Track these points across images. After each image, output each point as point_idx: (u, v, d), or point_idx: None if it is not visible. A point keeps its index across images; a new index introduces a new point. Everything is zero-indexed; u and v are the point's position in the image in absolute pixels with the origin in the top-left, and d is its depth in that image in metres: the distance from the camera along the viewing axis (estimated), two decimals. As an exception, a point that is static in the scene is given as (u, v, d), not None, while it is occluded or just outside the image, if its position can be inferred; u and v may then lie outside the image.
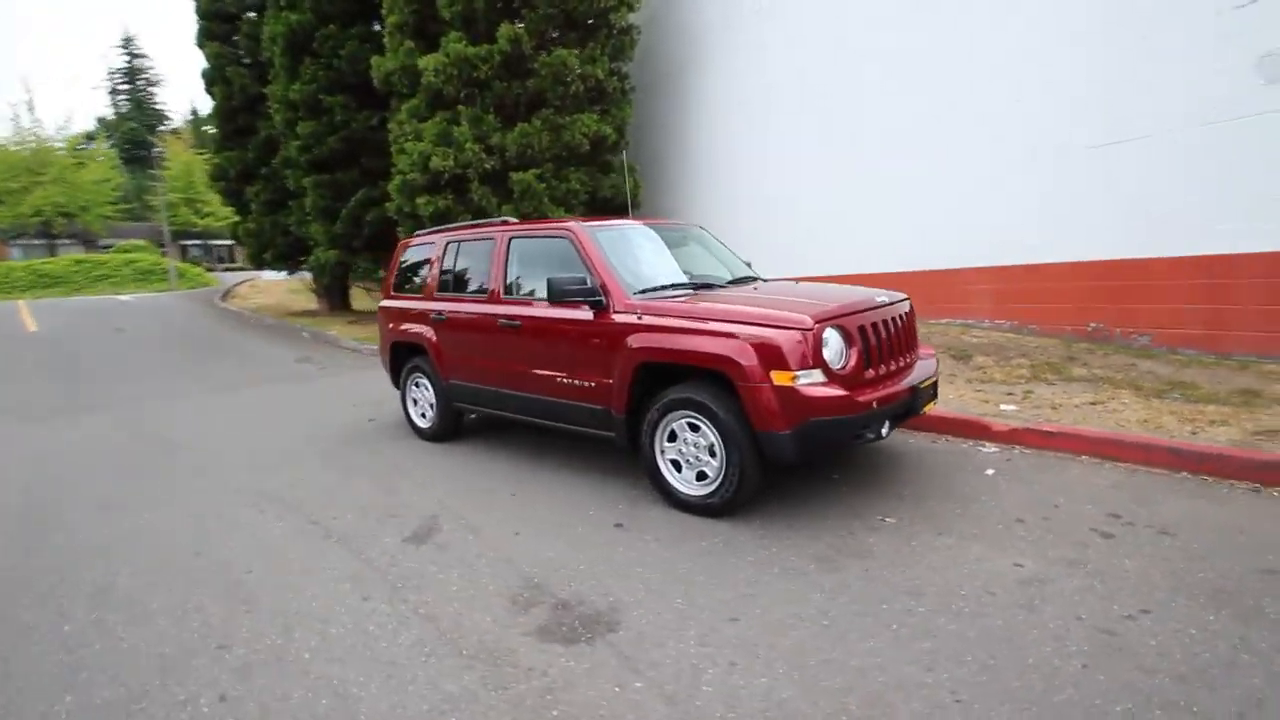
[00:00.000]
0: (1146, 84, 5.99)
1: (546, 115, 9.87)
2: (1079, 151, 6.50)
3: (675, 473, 3.75)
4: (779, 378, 3.27)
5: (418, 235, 5.75)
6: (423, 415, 5.53)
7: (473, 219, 10.29)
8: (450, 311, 5.02)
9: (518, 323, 4.46)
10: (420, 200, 9.99)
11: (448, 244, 5.22)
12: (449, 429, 5.38)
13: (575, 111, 10.09)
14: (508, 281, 4.65)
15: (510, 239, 4.69)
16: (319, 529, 3.75)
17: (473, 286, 4.98)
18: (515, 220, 5.25)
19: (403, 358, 5.65)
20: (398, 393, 5.78)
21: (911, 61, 7.89)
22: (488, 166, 9.85)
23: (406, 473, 4.65)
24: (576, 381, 4.12)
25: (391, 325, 5.62)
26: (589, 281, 3.95)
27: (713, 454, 3.56)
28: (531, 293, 4.52)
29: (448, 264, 5.18)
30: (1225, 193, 5.65)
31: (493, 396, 4.81)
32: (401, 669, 2.42)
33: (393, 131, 10.48)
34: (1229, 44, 5.50)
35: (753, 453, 3.42)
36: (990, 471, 4.09)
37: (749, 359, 3.32)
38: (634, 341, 3.75)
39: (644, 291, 4.00)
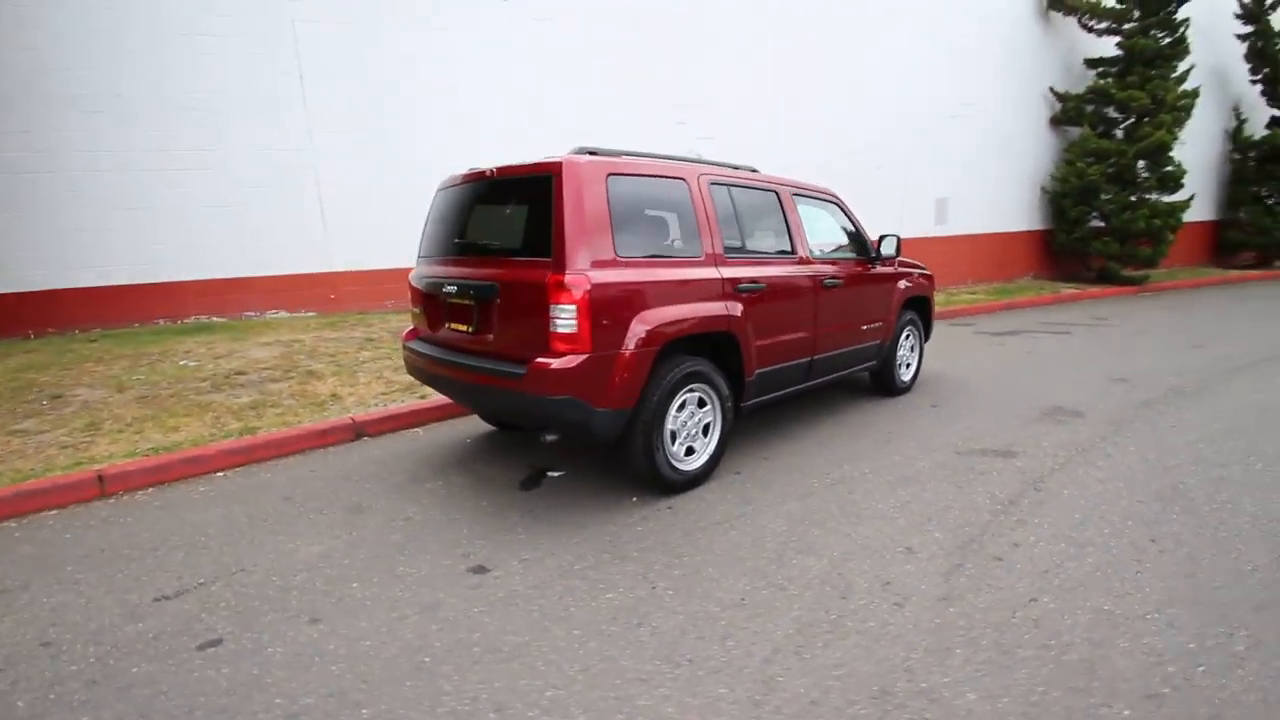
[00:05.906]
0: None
1: None
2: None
3: (905, 369, 5.41)
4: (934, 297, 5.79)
5: (605, 156, 3.31)
6: (688, 450, 3.47)
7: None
8: (767, 278, 3.81)
9: (840, 280, 4.41)
10: None
11: (713, 185, 3.70)
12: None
13: None
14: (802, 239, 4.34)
15: (793, 194, 4.34)
16: None
17: (766, 246, 4.04)
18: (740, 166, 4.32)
19: (668, 364, 3.32)
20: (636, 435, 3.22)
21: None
22: None
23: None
24: (873, 325, 4.85)
25: (643, 314, 3.15)
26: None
27: (912, 350, 5.51)
28: (817, 251, 4.44)
29: (723, 215, 3.71)
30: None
31: (793, 372, 4.13)
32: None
33: None
34: (678, 140, 9.05)
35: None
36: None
37: (931, 289, 5.68)
38: (903, 284, 5.17)
39: None
